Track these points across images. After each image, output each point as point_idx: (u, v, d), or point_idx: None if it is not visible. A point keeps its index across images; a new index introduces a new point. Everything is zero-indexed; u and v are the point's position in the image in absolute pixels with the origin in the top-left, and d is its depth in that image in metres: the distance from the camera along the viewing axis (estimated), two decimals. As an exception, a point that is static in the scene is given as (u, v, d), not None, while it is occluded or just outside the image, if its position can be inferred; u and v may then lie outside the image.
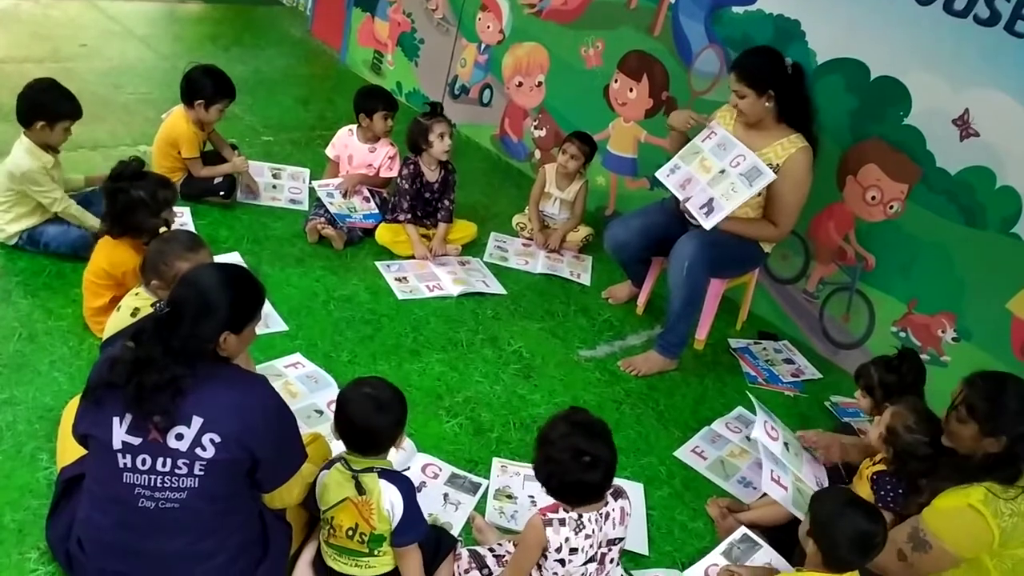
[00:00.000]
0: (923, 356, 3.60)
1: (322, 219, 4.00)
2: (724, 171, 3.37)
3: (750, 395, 3.12)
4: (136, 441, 1.98)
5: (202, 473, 1.99)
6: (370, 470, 2.19)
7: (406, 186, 4.02)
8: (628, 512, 2.26)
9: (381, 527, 2.18)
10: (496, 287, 3.96)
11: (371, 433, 2.20)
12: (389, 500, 2.16)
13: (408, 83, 5.84)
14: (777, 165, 3.35)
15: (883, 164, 3.64)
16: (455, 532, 2.56)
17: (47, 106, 3.30)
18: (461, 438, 3.00)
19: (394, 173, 4.18)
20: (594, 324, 3.87)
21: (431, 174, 4.05)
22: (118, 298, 2.93)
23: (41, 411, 2.68)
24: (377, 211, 4.13)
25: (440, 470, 2.82)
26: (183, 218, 3.80)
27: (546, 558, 2.16)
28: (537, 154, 5.15)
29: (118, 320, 2.74)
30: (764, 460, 2.70)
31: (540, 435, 2.18)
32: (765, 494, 2.89)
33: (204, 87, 3.91)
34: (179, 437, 1.98)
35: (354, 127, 4.28)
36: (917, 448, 2.51)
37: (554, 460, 2.10)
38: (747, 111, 3.40)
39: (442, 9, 5.49)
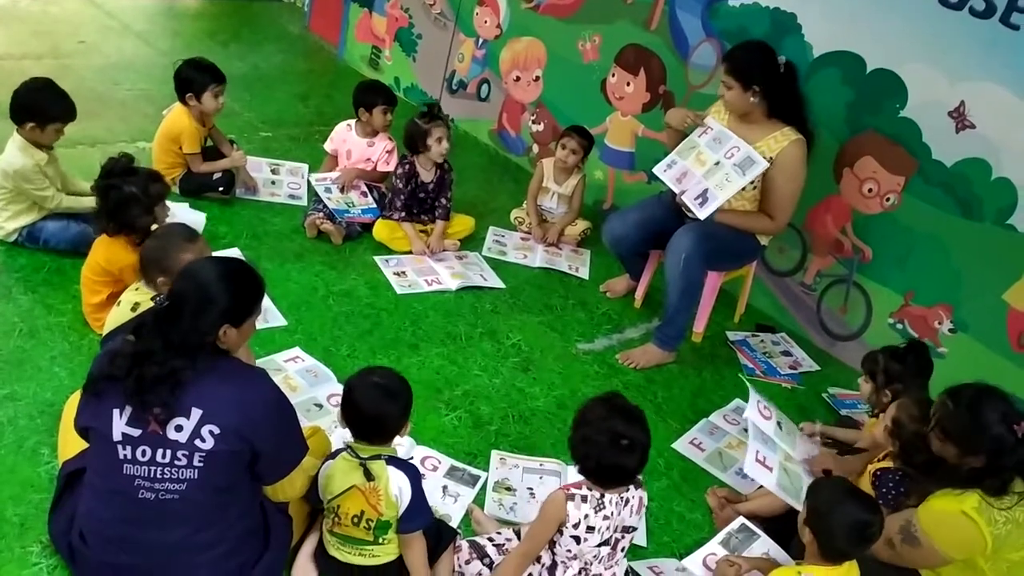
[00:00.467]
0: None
1: (321, 214, 4.01)
2: (719, 163, 3.38)
3: (743, 378, 3.12)
4: (136, 433, 2.00)
5: (201, 465, 2.00)
6: (377, 457, 2.22)
7: (400, 185, 4.03)
8: (645, 503, 2.30)
9: (388, 513, 2.20)
10: (495, 281, 3.97)
11: (379, 421, 2.23)
12: (397, 486, 2.19)
13: (406, 78, 5.84)
14: (771, 158, 3.36)
15: (879, 157, 3.65)
16: (454, 524, 2.58)
17: (39, 107, 3.29)
18: (460, 431, 3.02)
19: (392, 167, 4.19)
20: (592, 317, 3.89)
21: (426, 174, 4.06)
22: (116, 294, 2.95)
23: (42, 406, 2.69)
24: (375, 206, 4.14)
25: (439, 463, 2.83)
26: (194, 216, 3.80)
27: (562, 534, 2.19)
28: (535, 148, 5.16)
29: (118, 315, 2.75)
30: (751, 440, 2.68)
31: (579, 415, 2.22)
32: (762, 485, 2.91)
33: (191, 79, 3.92)
34: (178, 429, 1.99)
35: (352, 122, 4.29)
36: (923, 439, 2.51)
37: (592, 441, 2.15)
38: (732, 103, 3.42)
39: (440, 4, 5.49)
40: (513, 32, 5.10)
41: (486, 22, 5.23)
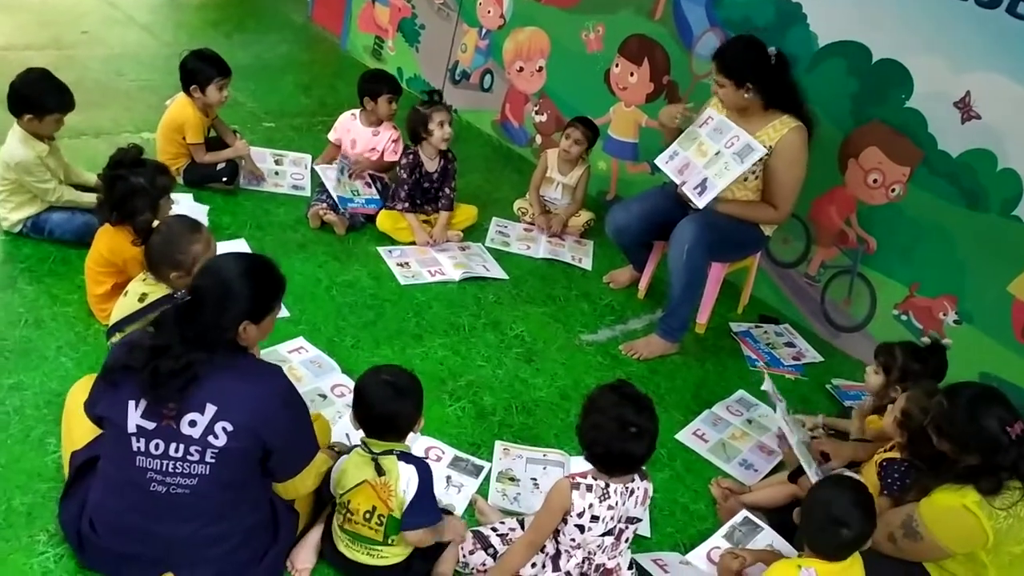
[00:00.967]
0: (924, 339, 3.62)
1: (324, 205, 4.01)
2: (719, 152, 3.38)
3: (757, 368, 3.12)
4: (150, 426, 2.01)
5: (213, 461, 2.02)
6: (389, 452, 2.23)
7: (405, 176, 4.02)
8: (650, 495, 2.31)
9: (398, 509, 2.21)
10: (498, 272, 3.97)
11: (391, 419, 2.24)
12: (406, 479, 2.20)
13: (409, 69, 5.83)
14: (770, 147, 3.36)
15: (885, 147, 3.64)
16: (457, 515, 2.58)
17: (35, 99, 3.28)
18: (464, 421, 3.03)
19: (398, 156, 4.19)
20: (596, 308, 3.89)
21: (430, 164, 4.05)
22: (120, 285, 2.95)
23: (49, 396, 2.70)
24: (378, 197, 4.14)
25: (443, 453, 2.84)
26: (196, 207, 3.81)
27: (566, 523, 2.20)
28: (538, 139, 5.15)
29: (125, 305, 2.76)
30: (776, 404, 2.81)
31: (588, 402, 2.22)
32: (766, 476, 2.93)
33: (196, 71, 3.91)
34: (192, 424, 2.00)
35: (357, 111, 4.29)
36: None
37: (601, 427, 2.15)
38: (726, 100, 3.43)
39: (443, -6, 5.48)
40: (516, 22, 5.09)
41: (489, 12, 5.21)
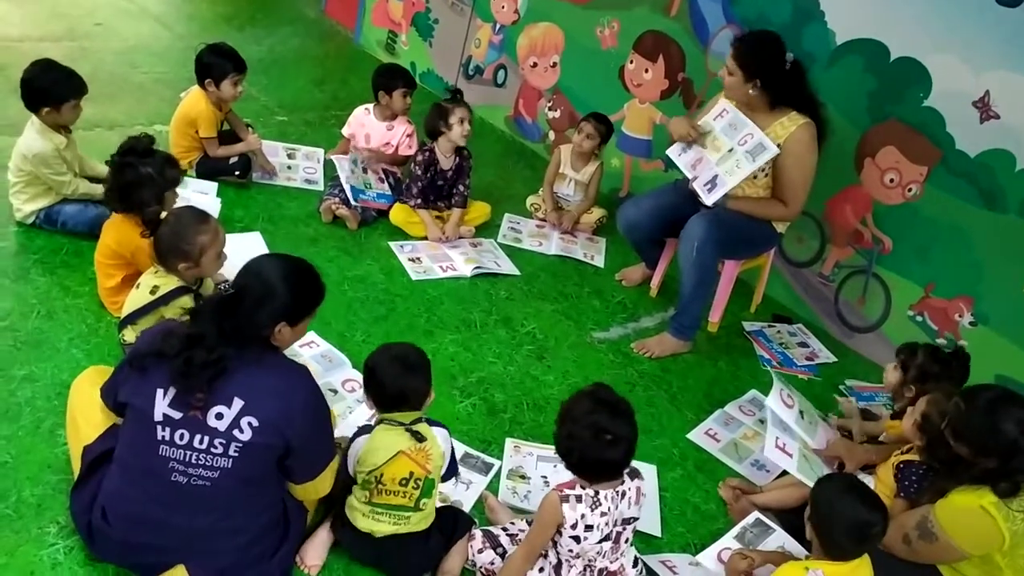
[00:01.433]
0: (940, 340, 3.60)
1: (337, 199, 4.00)
2: (732, 149, 3.36)
3: (768, 368, 3.10)
4: (177, 415, 2.02)
5: (236, 454, 2.03)
6: (419, 420, 2.30)
7: (419, 172, 4.01)
8: (643, 492, 2.27)
9: (436, 471, 2.28)
10: (509, 268, 3.96)
11: (404, 394, 2.30)
12: (442, 440, 2.32)
13: (422, 63, 5.82)
14: (779, 144, 3.33)
15: (902, 146, 3.60)
16: (465, 511, 2.58)
17: (49, 90, 3.28)
18: (474, 418, 3.01)
19: (413, 151, 4.18)
20: (608, 306, 3.87)
21: (445, 161, 4.04)
22: (130, 277, 2.95)
23: (60, 387, 2.70)
24: (390, 192, 4.13)
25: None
26: (208, 196, 3.80)
27: (561, 534, 2.17)
28: (551, 135, 5.13)
29: (137, 298, 2.76)
30: (770, 426, 2.70)
31: (563, 410, 2.20)
32: (778, 477, 2.90)
33: (212, 65, 3.90)
34: (219, 416, 2.01)
35: (371, 106, 4.28)
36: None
37: (576, 436, 2.13)
38: (730, 89, 3.41)
39: (457, -11, 5.46)
40: (530, 18, 5.07)
41: (503, 7, 5.19)
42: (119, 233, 2.98)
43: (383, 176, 4.17)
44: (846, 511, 2.14)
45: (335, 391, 2.96)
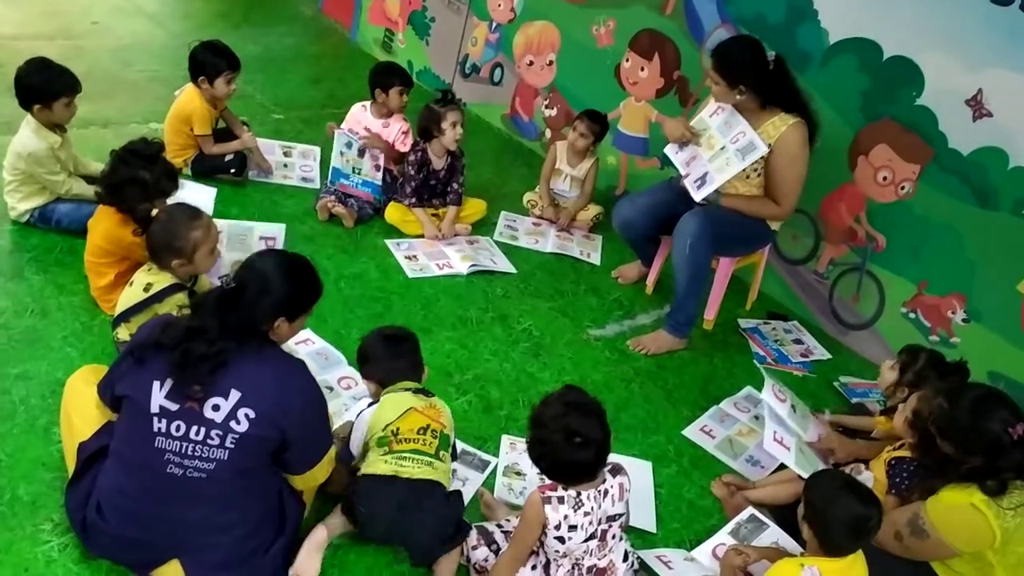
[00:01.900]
0: (933, 337, 3.61)
1: (332, 197, 4.00)
2: (724, 147, 3.39)
3: (758, 364, 3.11)
4: (174, 407, 2.03)
5: (233, 446, 2.04)
6: (421, 389, 2.49)
7: (412, 172, 4.02)
8: (627, 488, 2.27)
9: (448, 425, 2.36)
10: (506, 266, 3.96)
11: (400, 356, 2.53)
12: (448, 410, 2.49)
13: (419, 62, 5.82)
14: (770, 144, 3.34)
15: (895, 145, 3.61)
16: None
17: (40, 87, 3.28)
18: (470, 415, 3.02)
19: (407, 148, 4.18)
20: (604, 303, 3.88)
21: (438, 162, 4.05)
22: (123, 274, 2.96)
23: (54, 385, 2.69)
24: (378, 183, 4.11)
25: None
26: (204, 197, 3.78)
27: (546, 535, 2.18)
28: (548, 133, 5.13)
29: (131, 295, 2.76)
30: (768, 420, 2.71)
31: (533, 416, 2.19)
32: (773, 472, 2.91)
33: (205, 63, 3.90)
34: (215, 408, 2.02)
35: (368, 103, 4.28)
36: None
37: (546, 441, 2.13)
38: (719, 98, 3.43)
39: (453, -13, 5.47)
40: (527, 16, 5.07)
41: (500, 6, 5.19)
42: (107, 230, 2.98)
43: (380, 165, 4.15)
44: (841, 508, 2.15)
45: (331, 388, 2.96)
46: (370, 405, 2.46)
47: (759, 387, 3.43)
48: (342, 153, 4.05)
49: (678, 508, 2.83)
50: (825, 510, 2.17)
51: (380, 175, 4.14)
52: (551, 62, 5.00)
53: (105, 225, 2.99)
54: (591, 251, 4.25)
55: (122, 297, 2.80)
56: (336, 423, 2.70)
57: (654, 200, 3.73)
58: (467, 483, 2.70)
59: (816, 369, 3.73)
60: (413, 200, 4.04)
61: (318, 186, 4.24)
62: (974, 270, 3.48)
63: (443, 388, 3.09)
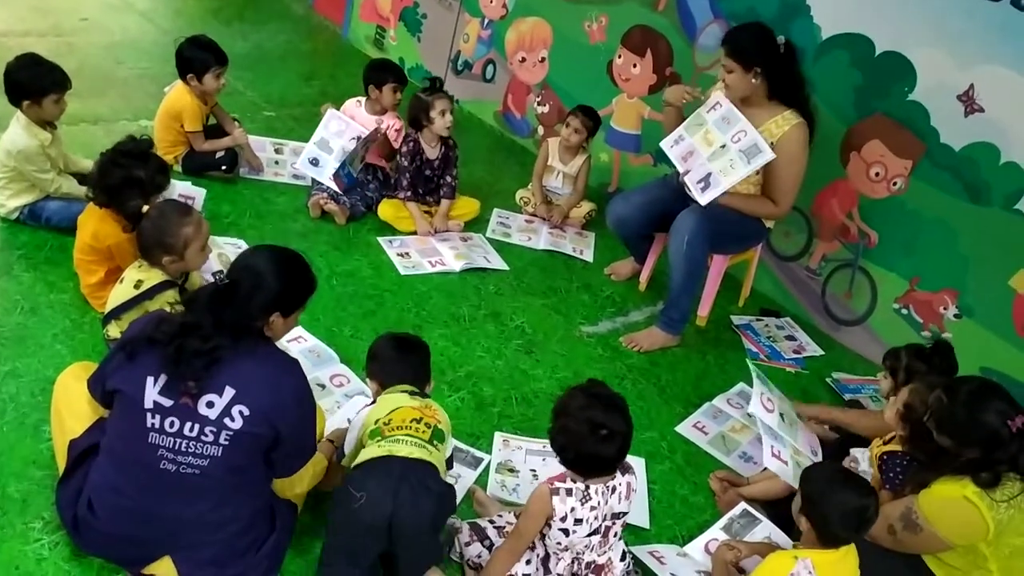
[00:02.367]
0: (925, 333, 3.62)
1: (324, 194, 3.99)
2: (725, 146, 3.36)
3: (750, 363, 3.11)
4: (167, 403, 2.02)
5: (227, 443, 2.03)
6: (422, 395, 2.43)
7: (406, 163, 4.01)
8: (634, 488, 2.28)
9: (444, 425, 2.31)
10: (498, 263, 3.95)
11: (406, 364, 2.48)
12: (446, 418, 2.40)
13: (411, 58, 5.80)
14: (771, 143, 3.33)
15: (887, 140, 3.62)
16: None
17: (29, 83, 3.26)
18: (463, 412, 3.01)
19: (399, 145, 4.17)
20: (596, 300, 3.88)
21: (431, 151, 4.04)
22: (112, 271, 2.94)
23: (44, 383, 2.68)
24: (354, 177, 4.06)
25: (442, 443, 2.83)
26: (196, 201, 3.76)
27: (550, 527, 2.18)
28: (540, 130, 5.13)
29: (121, 293, 2.75)
30: (764, 436, 2.71)
31: (558, 405, 2.20)
32: (765, 468, 2.91)
33: (193, 60, 3.88)
34: (210, 405, 2.02)
35: (362, 99, 4.28)
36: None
37: (571, 431, 2.13)
38: (733, 86, 3.40)
39: (445, -17, 5.45)
40: (519, 12, 5.06)
41: (491, 2, 5.18)
42: (96, 229, 2.96)
43: (369, 168, 4.13)
44: (839, 499, 2.16)
45: (323, 386, 2.96)
46: (367, 406, 2.44)
47: (751, 383, 3.44)
48: (339, 131, 3.97)
49: (671, 504, 2.83)
50: (823, 502, 2.18)
51: (361, 171, 4.08)
52: (543, 59, 5.00)
53: (95, 223, 2.97)
54: (584, 248, 4.25)
55: (112, 294, 2.79)
56: (328, 420, 2.70)
57: (648, 197, 3.73)
58: (459, 480, 2.69)
59: (809, 365, 3.73)
60: (408, 193, 4.03)
61: (310, 183, 4.22)
62: (966, 266, 3.49)
63: (436, 385, 3.05)
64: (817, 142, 3.47)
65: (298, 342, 3.13)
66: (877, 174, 3.68)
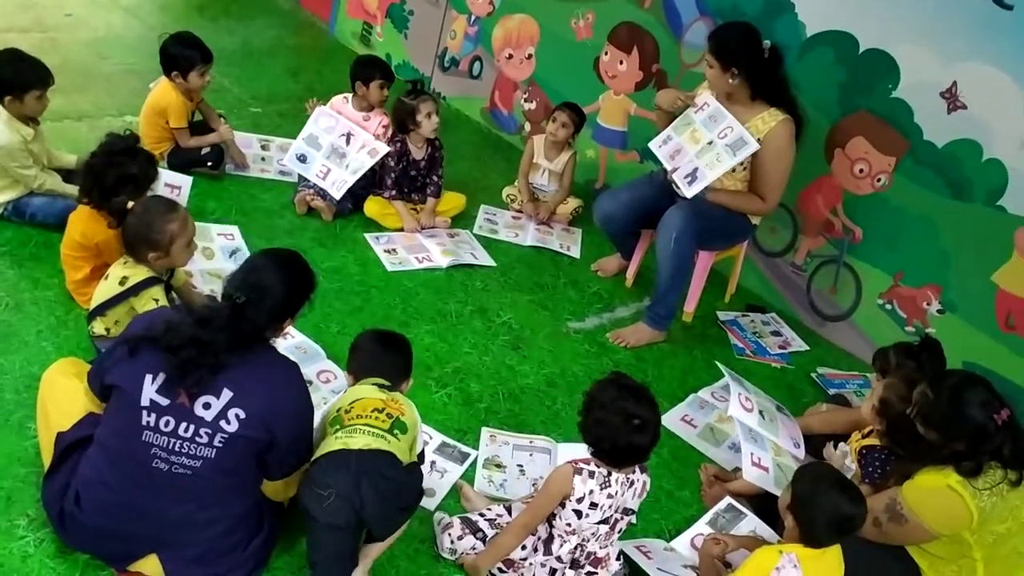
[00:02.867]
0: (908, 328, 3.65)
1: (311, 191, 3.98)
2: (712, 142, 3.38)
3: (719, 365, 3.12)
4: (164, 402, 2.02)
5: (221, 445, 2.03)
6: (393, 389, 2.38)
7: (392, 163, 4.01)
8: (648, 488, 2.32)
9: (409, 420, 2.26)
10: (485, 259, 3.96)
11: (382, 358, 2.43)
12: (411, 407, 2.35)
13: (397, 55, 5.79)
14: (759, 139, 3.36)
15: (871, 137, 3.64)
16: (438, 499, 2.60)
17: (11, 79, 3.23)
18: (450, 408, 3.02)
19: (386, 142, 4.16)
20: (583, 296, 3.89)
21: (417, 152, 4.04)
22: (99, 268, 2.93)
23: (28, 380, 2.67)
24: (342, 182, 4.01)
25: (430, 438, 2.83)
26: (183, 190, 3.74)
27: (564, 507, 2.20)
28: (527, 127, 5.13)
29: (106, 289, 2.73)
30: (744, 443, 2.70)
31: (589, 398, 2.23)
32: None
33: (177, 57, 3.86)
34: (206, 406, 2.01)
35: (349, 95, 4.26)
36: (910, 419, 2.50)
37: (605, 423, 2.16)
38: (711, 82, 3.44)
39: (431, -20, 5.44)
40: (505, 9, 5.06)
41: (478, -1, 5.18)
42: (84, 226, 2.94)
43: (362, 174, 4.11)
44: (829, 504, 2.16)
45: (310, 382, 2.94)
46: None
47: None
48: (330, 127, 3.97)
49: (657, 499, 2.84)
50: (812, 504, 2.18)
51: (349, 180, 4.01)
52: (530, 55, 5.00)
53: (85, 220, 2.95)
54: (571, 244, 4.26)
55: (97, 291, 2.77)
56: (316, 418, 2.69)
57: (635, 194, 3.75)
58: (446, 475, 2.70)
59: (794, 360, 3.75)
60: (393, 192, 4.03)
61: (296, 179, 4.21)
62: (949, 261, 3.52)
63: (422, 381, 3.09)
64: (801, 140, 3.49)
65: (285, 338, 3.11)
66: (861, 171, 3.71)
